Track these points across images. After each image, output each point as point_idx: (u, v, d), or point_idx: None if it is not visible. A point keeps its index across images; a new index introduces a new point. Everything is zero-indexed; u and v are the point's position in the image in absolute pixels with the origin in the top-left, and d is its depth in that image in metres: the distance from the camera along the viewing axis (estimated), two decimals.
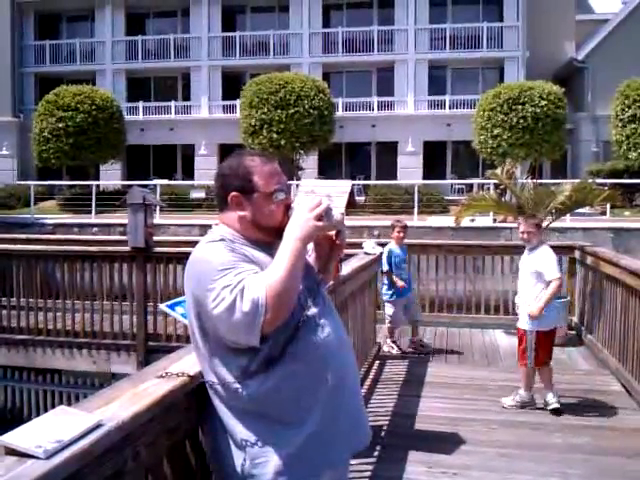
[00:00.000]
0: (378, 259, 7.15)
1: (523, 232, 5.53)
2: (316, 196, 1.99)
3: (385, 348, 7.49)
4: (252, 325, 1.82)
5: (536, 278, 5.38)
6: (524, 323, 5.43)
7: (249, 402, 1.96)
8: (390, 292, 7.47)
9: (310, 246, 2.18)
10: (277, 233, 2.02)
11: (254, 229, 2.07)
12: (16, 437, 1.46)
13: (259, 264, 1.97)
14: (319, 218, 1.93)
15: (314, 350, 2.01)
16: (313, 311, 2.05)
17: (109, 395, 1.83)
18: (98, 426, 1.58)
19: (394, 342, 7.56)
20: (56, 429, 1.52)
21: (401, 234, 7.54)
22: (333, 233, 2.12)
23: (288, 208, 2.07)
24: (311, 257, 2.22)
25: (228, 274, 1.87)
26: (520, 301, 5.55)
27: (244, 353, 1.92)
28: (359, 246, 7.01)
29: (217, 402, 2.03)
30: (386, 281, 7.50)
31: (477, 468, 4.29)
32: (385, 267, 7.42)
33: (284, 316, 1.89)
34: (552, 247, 8.15)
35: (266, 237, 2.07)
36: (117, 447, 1.63)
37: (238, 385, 1.95)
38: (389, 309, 7.52)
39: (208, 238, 2.06)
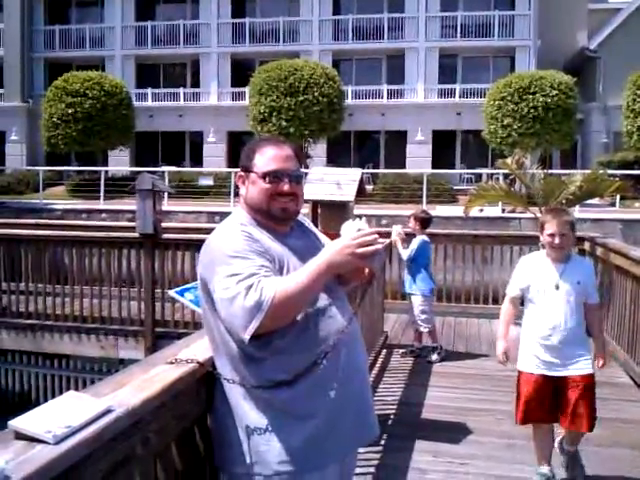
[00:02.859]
0: (387, 246, 7.13)
1: (555, 235, 3.66)
2: (371, 235, 1.85)
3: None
4: (247, 323, 1.82)
5: (580, 302, 3.76)
6: (586, 367, 3.73)
7: (260, 388, 1.96)
8: None
9: None
10: (271, 217, 2.03)
11: (252, 210, 2.09)
12: (26, 422, 1.46)
13: (271, 254, 1.97)
14: (362, 256, 1.85)
15: (337, 362, 2.01)
16: (326, 305, 2.05)
17: (119, 381, 1.83)
18: (108, 412, 1.58)
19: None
20: (66, 414, 1.51)
21: (409, 225, 7.01)
22: (367, 272, 2.10)
23: (280, 194, 2.05)
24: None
25: (236, 263, 1.87)
26: (559, 336, 3.72)
27: (254, 340, 1.91)
28: None
29: (227, 388, 2.03)
30: None
31: (484, 458, 4.30)
32: None
33: (281, 325, 1.89)
34: None
35: (268, 221, 2.07)
36: (126, 433, 1.63)
37: (247, 372, 1.95)
38: None
39: (227, 221, 2.09)
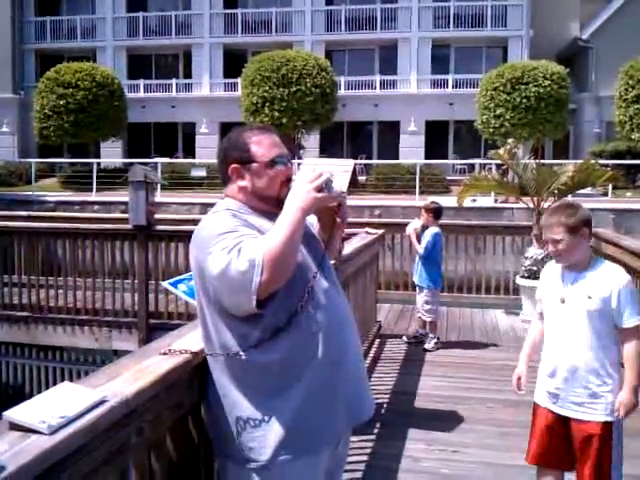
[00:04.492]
0: (379, 238, 7.15)
1: (547, 242, 3.02)
2: (317, 168, 2.01)
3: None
4: (248, 285, 1.83)
5: (600, 322, 2.87)
6: (600, 412, 2.88)
7: (251, 372, 1.98)
8: None
9: (315, 219, 2.22)
10: (278, 203, 2.04)
11: (256, 199, 2.11)
12: (20, 412, 1.47)
13: (262, 231, 1.99)
14: (319, 189, 1.95)
15: (318, 320, 2.02)
16: (318, 281, 2.07)
17: (113, 371, 1.84)
18: (102, 402, 1.59)
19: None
20: (60, 405, 1.52)
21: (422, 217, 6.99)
22: (335, 205, 2.14)
23: (289, 179, 2.09)
24: (316, 229, 2.25)
25: (227, 237, 1.91)
26: (565, 364, 2.93)
27: (248, 321, 1.94)
28: (361, 226, 7.01)
29: (219, 375, 2.05)
30: None
31: (476, 446, 4.33)
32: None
33: (280, 281, 1.90)
34: None
35: (270, 207, 2.09)
36: (121, 423, 1.64)
37: (242, 354, 1.97)
38: None
39: (213, 210, 2.11)
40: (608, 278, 2.89)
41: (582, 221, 2.90)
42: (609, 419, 2.86)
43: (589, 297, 2.86)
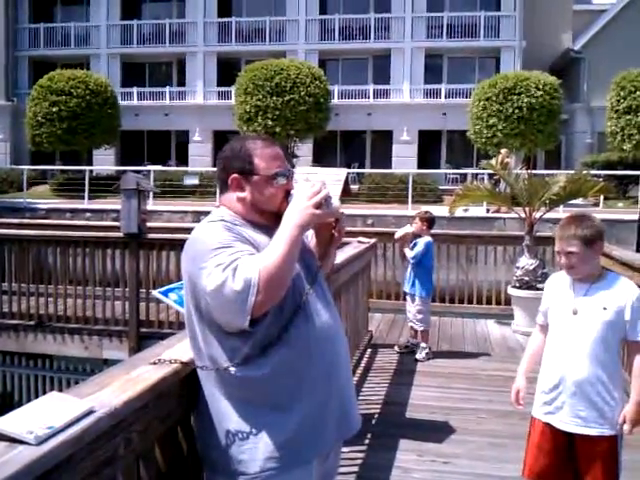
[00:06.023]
0: (371, 248, 7.16)
1: (560, 253, 2.92)
2: (316, 184, 1.98)
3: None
4: (242, 305, 1.81)
5: (611, 335, 2.84)
6: (605, 425, 2.83)
7: (241, 386, 1.97)
8: None
9: (310, 232, 2.20)
10: (276, 217, 2.02)
11: (254, 212, 2.08)
12: (7, 423, 1.46)
13: (257, 245, 1.97)
14: (318, 206, 1.93)
15: (309, 336, 2.01)
16: (310, 297, 2.06)
17: (101, 381, 1.83)
18: (90, 412, 1.57)
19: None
20: (48, 415, 1.51)
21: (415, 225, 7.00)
22: (332, 221, 2.12)
23: (288, 193, 2.07)
24: (311, 243, 2.24)
25: (222, 253, 1.87)
26: (572, 377, 2.85)
27: (238, 336, 1.92)
28: (353, 235, 7.02)
29: (209, 387, 2.03)
30: None
31: (467, 457, 4.32)
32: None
33: (275, 300, 1.88)
34: (545, 239, 8.20)
35: (266, 220, 2.08)
36: (109, 434, 1.62)
37: (232, 369, 1.95)
38: None
39: (208, 219, 2.07)
40: (621, 290, 2.86)
41: (599, 234, 2.88)
42: (614, 433, 2.82)
43: (604, 308, 2.82)
